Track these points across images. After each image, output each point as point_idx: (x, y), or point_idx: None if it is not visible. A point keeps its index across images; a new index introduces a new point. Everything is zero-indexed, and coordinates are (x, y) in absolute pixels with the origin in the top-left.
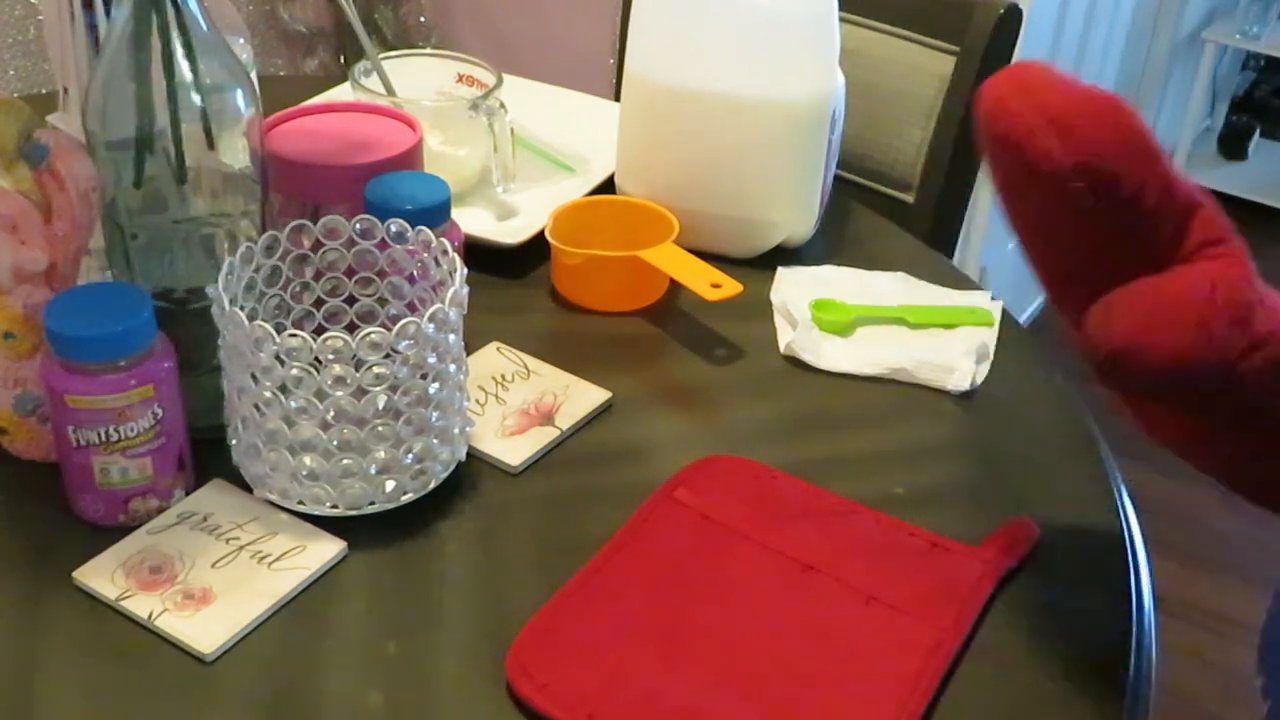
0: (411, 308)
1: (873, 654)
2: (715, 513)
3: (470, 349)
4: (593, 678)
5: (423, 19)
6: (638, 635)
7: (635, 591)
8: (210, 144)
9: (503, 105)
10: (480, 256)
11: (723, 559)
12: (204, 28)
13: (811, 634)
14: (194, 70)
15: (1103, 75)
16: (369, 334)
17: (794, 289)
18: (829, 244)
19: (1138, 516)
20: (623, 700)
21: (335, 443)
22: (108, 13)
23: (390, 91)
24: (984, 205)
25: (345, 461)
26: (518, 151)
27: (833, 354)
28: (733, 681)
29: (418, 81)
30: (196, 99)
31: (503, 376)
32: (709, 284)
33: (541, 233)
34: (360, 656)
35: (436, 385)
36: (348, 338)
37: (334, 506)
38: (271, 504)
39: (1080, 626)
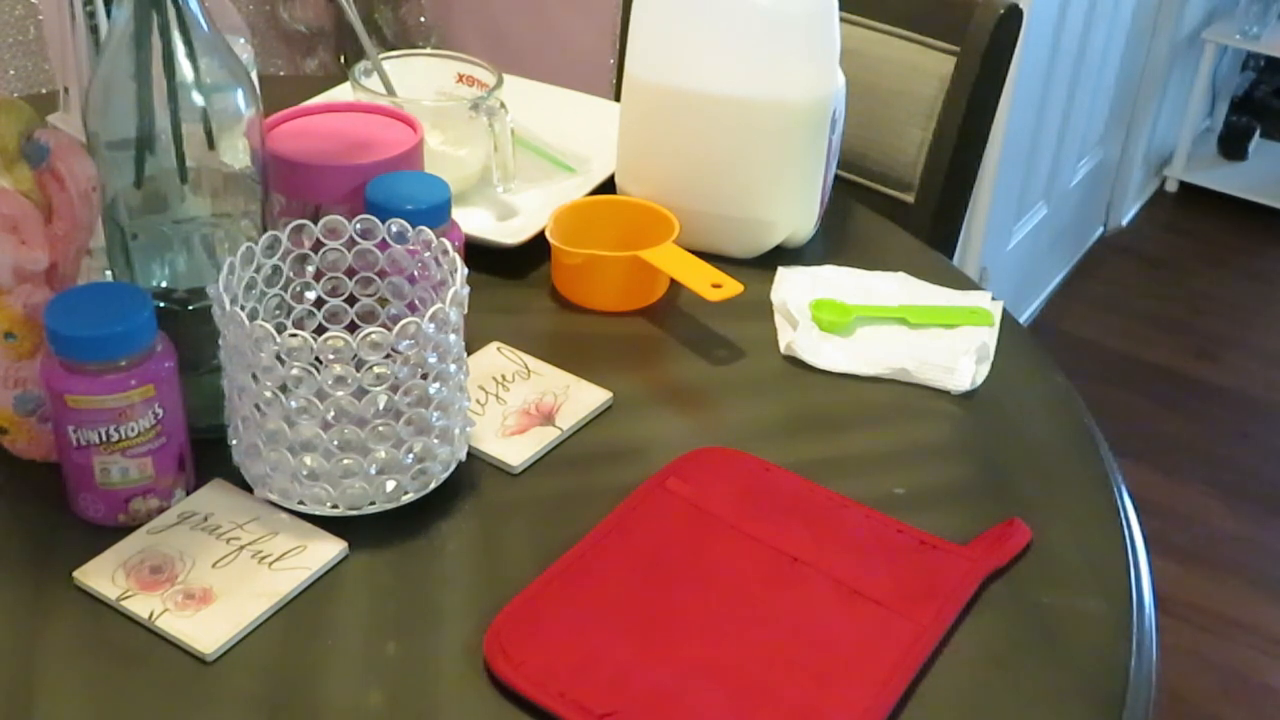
0: (412, 308)
1: (851, 647)
2: (705, 502)
3: (471, 349)
4: (568, 658)
5: (423, 19)
6: (617, 619)
7: (618, 576)
8: (211, 144)
9: (503, 105)
10: (480, 256)
11: (708, 548)
12: (204, 28)
13: (791, 625)
14: (195, 70)
15: (1103, 75)
16: (370, 334)
17: (794, 289)
18: (829, 244)
19: (1138, 516)
20: (596, 681)
21: (336, 443)
22: (108, 13)
23: (390, 91)
24: (984, 205)
25: (346, 461)
26: (518, 151)
27: (833, 354)
28: (707, 668)
29: (418, 81)
30: (197, 99)
31: (503, 376)
32: (709, 284)
33: (541, 233)
34: (360, 656)
35: (437, 385)
36: (348, 337)
37: (334, 506)
38: (272, 504)
39: (1080, 626)
